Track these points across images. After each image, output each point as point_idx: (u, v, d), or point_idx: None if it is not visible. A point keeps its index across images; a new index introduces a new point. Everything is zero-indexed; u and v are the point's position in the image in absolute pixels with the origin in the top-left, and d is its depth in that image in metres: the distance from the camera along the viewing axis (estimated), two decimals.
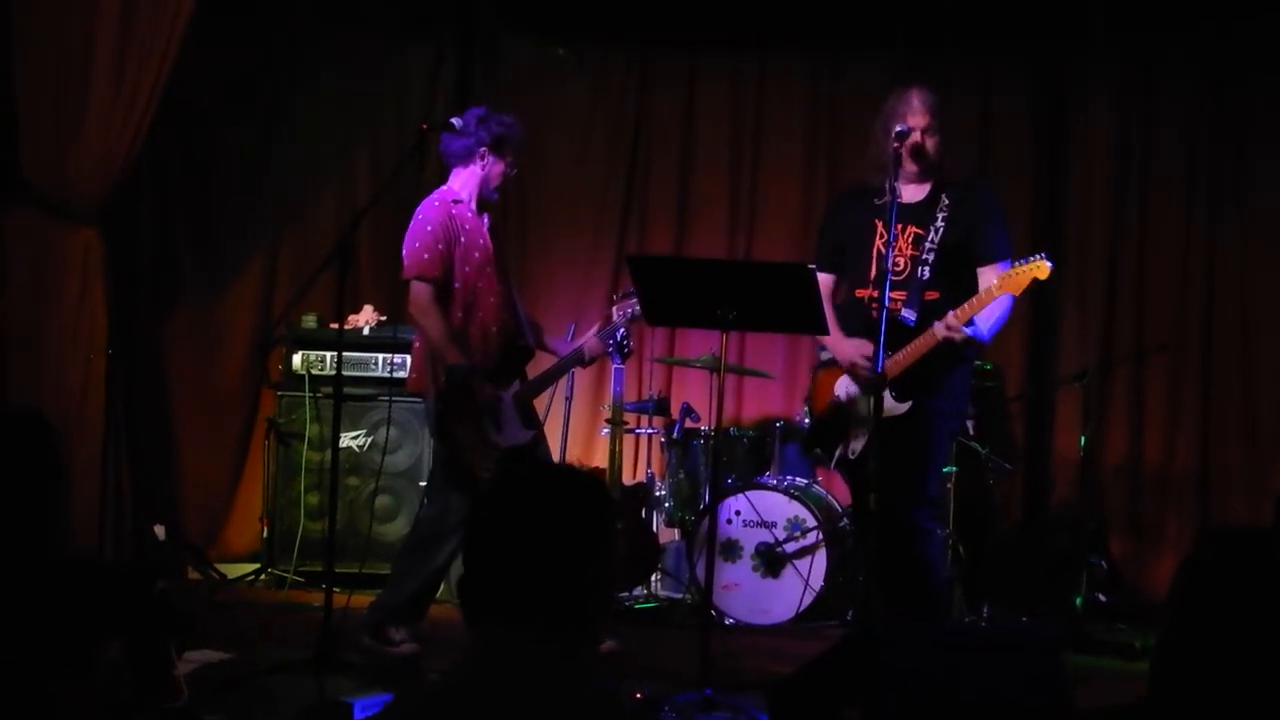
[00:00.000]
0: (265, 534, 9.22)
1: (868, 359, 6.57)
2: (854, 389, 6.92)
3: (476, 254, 7.01)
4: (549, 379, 7.55)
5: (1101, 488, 9.77)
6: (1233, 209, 9.82)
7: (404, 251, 6.96)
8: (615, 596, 8.42)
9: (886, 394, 6.63)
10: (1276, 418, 9.67)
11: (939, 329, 6.50)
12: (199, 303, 9.74)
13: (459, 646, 2.67)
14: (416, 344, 7.13)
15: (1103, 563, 9.11)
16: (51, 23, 8.08)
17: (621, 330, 7.44)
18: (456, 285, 6.96)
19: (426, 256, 6.88)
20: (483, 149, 7.06)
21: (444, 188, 7.13)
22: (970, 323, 6.52)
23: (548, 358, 7.53)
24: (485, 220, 7.16)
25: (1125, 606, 8.96)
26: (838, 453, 6.99)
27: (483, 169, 7.09)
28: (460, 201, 7.07)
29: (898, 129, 6.61)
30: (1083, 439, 9.19)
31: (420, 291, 6.89)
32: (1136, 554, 9.72)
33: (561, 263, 10.46)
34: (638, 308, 7.16)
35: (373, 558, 8.44)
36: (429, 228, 6.93)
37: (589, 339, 7.42)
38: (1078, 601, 8.70)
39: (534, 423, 7.25)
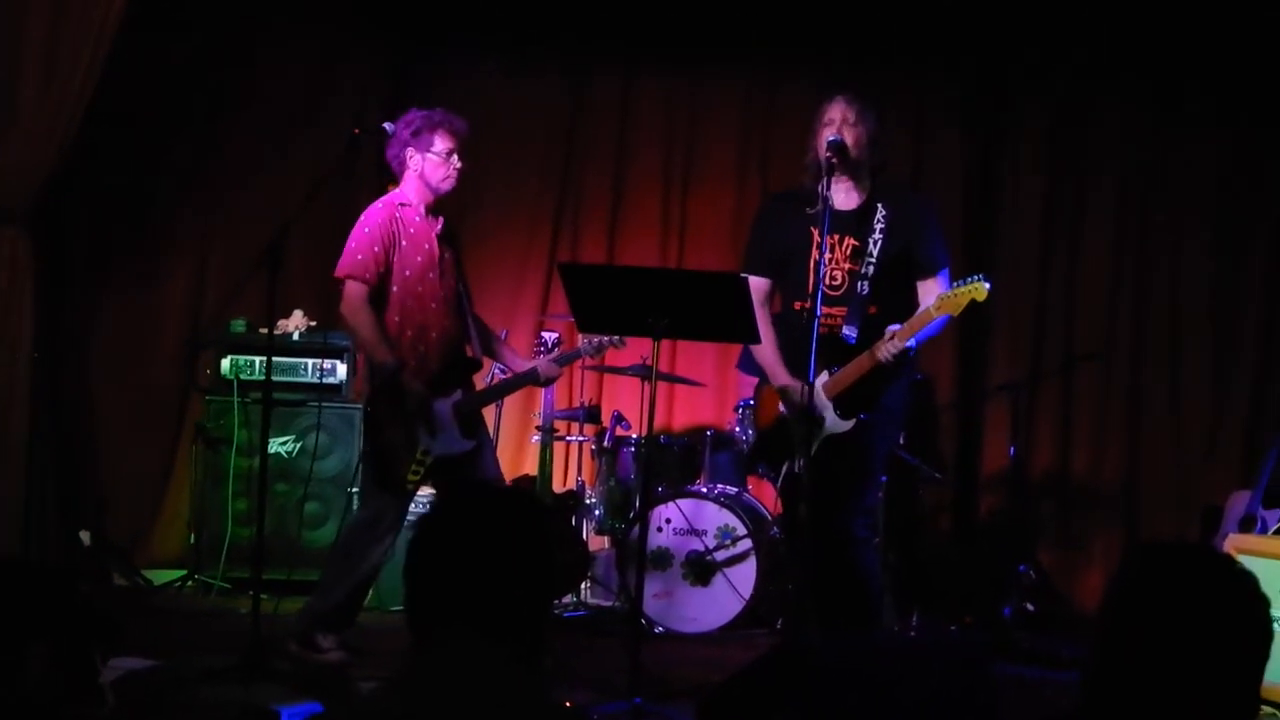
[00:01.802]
0: (192, 540, 9.16)
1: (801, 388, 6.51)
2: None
3: (419, 258, 6.99)
4: (498, 392, 7.58)
5: (1030, 497, 9.83)
6: (1163, 221, 9.90)
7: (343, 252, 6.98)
8: (554, 608, 8.42)
9: (829, 412, 6.63)
10: (1203, 429, 9.75)
11: (882, 353, 6.49)
12: (128, 305, 9.66)
13: (395, 656, 2.69)
14: (360, 352, 7.11)
15: (1031, 571, 9.16)
16: None
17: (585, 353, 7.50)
18: (394, 289, 6.95)
19: (360, 257, 6.88)
20: (408, 149, 7.06)
21: (393, 191, 7.14)
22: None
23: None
24: (437, 224, 7.13)
25: (1053, 615, 9.02)
26: (784, 468, 6.95)
27: (415, 167, 7.07)
28: (407, 205, 7.06)
29: (830, 139, 6.60)
30: (1012, 449, 9.25)
31: (352, 291, 6.88)
32: (1065, 563, 9.78)
33: (493, 271, 10.43)
34: (606, 341, 7.27)
35: (301, 564, 8.42)
36: (366, 229, 6.93)
37: (544, 361, 7.42)
38: (1006, 610, 8.75)
39: (477, 434, 7.18)
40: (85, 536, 9.06)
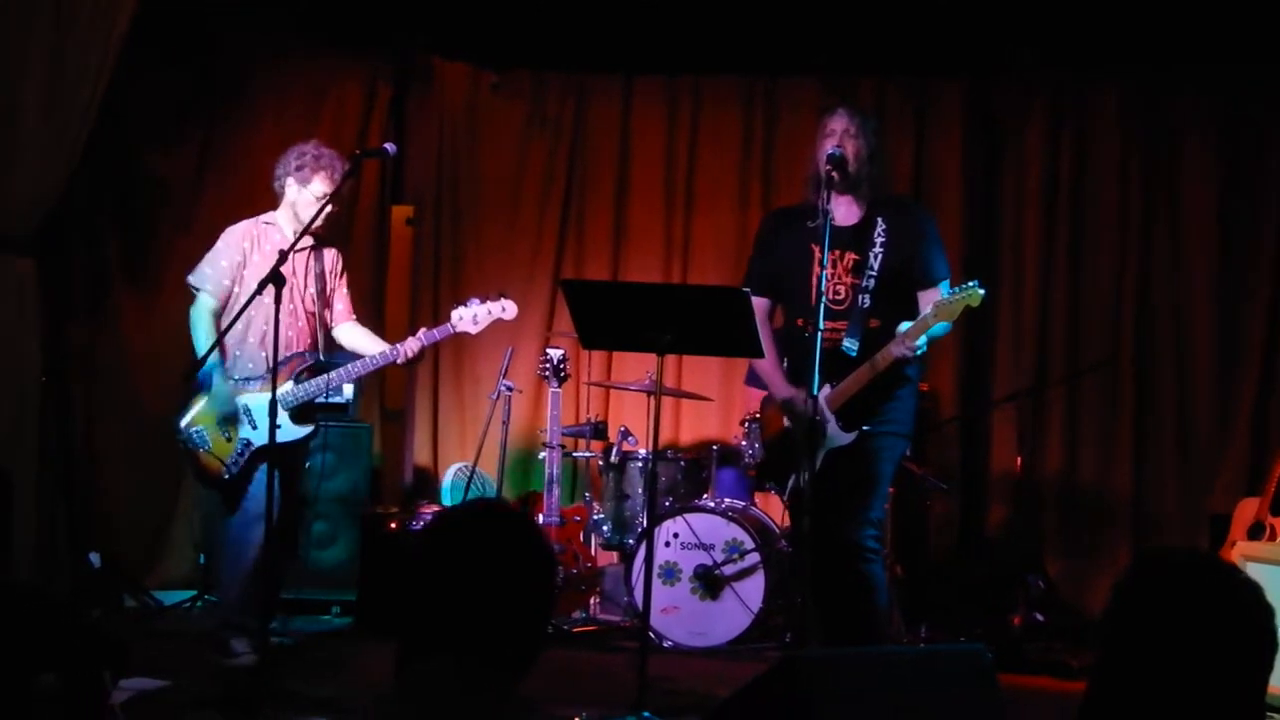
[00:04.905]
0: (201, 560, 9.17)
1: (804, 399, 6.52)
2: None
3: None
4: (347, 376, 7.67)
5: (1037, 507, 9.82)
6: (1165, 228, 9.90)
7: None
8: (549, 628, 8.40)
9: (832, 424, 6.63)
10: (1210, 436, 9.74)
11: (896, 351, 6.48)
12: (132, 330, 9.64)
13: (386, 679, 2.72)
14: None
15: (1040, 581, 9.14)
16: None
17: (444, 333, 7.67)
18: (241, 300, 7.28)
19: (207, 270, 7.42)
20: (286, 179, 7.48)
21: (266, 212, 7.58)
22: None
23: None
24: (290, 240, 7.41)
25: (1062, 625, 8.99)
26: (791, 482, 6.97)
27: (290, 198, 7.52)
28: (271, 224, 7.55)
29: (829, 152, 6.60)
30: (1019, 459, 9.25)
31: (199, 301, 7.42)
32: (1073, 573, 9.76)
33: (497, 286, 10.40)
34: (479, 314, 7.57)
35: (309, 584, 8.45)
36: (218, 245, 7.50)
37: (408, 340, 7.58)
38: (1015, 621, 8.74)
39: (314, 420, 7.55)
40: (95, 559, 9.06)
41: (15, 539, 7.74)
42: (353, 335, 7.80)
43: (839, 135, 6.70)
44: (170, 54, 9.25)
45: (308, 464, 7.87)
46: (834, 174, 6.57)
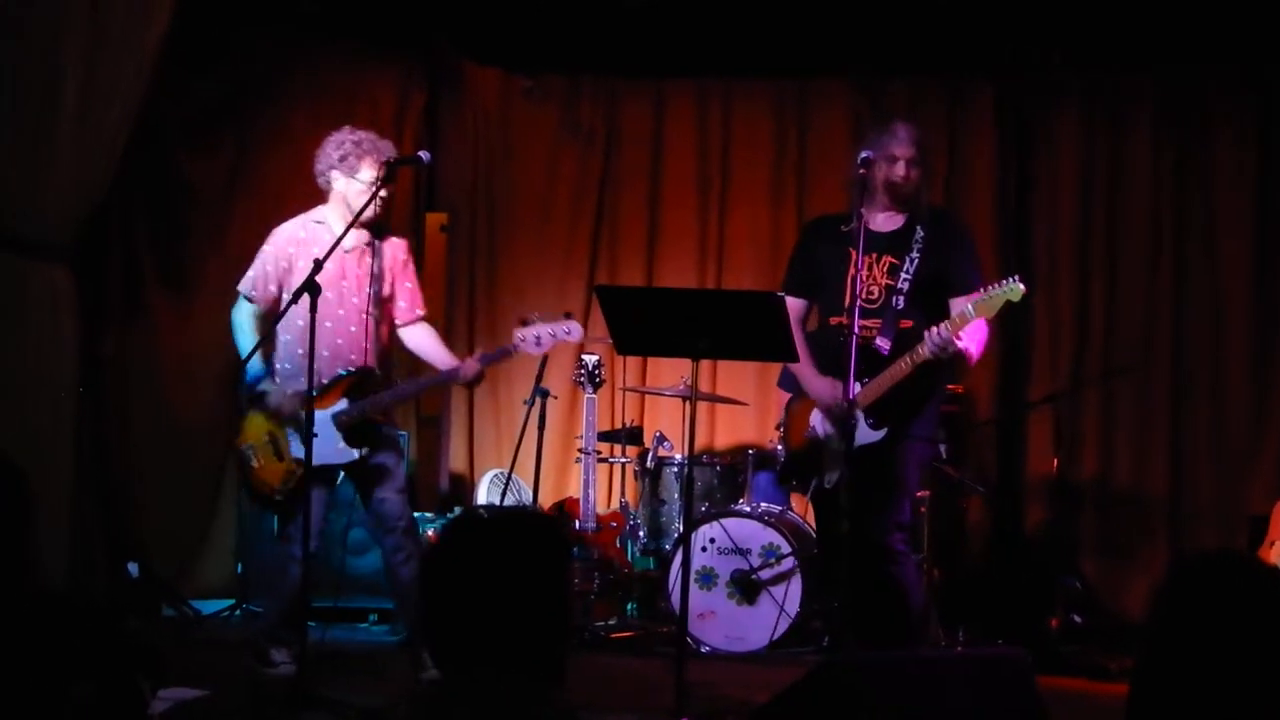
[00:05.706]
0: (239, 569, 9.19)
1: (839, 400, 6.57)
2: (830, 428, 6.94)
3: (318, 277, 6.98)
4: (402, 396, 7.62)
5: (1074, 508, 9.80)
6: (1200, 228, 9.87)
7: None
8: (573, 632, 8.39)
9: (861, 422, 6.67)
10: (1247, 436, 9.71)
11: (927, 346, 6.51)
12: (168, 337, 9.67)
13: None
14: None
15: (1077, 583, 9.13)
16: (15, 55, 8.01)
17: (503, 352, 7.47)
18: (287, 305, 7.09)
19: (251, 274, 7.27)
20: (331, 172, 7.26)
21: (316, 208, 7.38)
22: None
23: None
24: (345, 241, 7.06)
25: (1100, 627, 8.98)
26: (813, 484, 7.02)
27: (340, 190, 7.27)
28: (321, 223, 7.29)
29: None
30: (1055, 460, 9.23)
31: (238, 305, 7.28)
32: (1110, 574, 9.73)
33: (532, 292, 10.46)
34: (543, 336, 7.30)
35: (347, 591, 8.43)
36: (267, 248, 7.31)
37: (469, 360, 7.34)
38: (1052, 623, 8.71)
39: (370, 440, 7.22)
40: (134, 568, 9.08)
41: (39, 544, 7.76)
42: (421, 340, 7.55)
43: (904, 164, 6.81)
44: (203, 60, 9.28)
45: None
46: (867, 176, 6.65)
